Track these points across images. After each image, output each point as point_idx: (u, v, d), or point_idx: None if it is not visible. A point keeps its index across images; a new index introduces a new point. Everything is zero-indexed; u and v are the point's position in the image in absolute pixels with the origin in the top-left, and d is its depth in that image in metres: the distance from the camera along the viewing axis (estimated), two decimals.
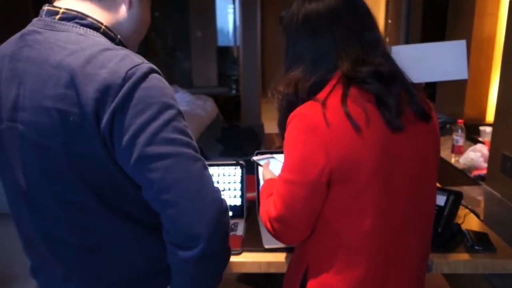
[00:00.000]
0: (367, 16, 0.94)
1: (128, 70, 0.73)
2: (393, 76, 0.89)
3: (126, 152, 0.73)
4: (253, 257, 1.25)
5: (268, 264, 1.24)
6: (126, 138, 0.72)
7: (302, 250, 0.97)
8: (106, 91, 0.71)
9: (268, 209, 0.93)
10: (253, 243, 1.31)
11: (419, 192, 0.92)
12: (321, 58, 0.91)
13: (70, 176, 0.77)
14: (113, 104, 0.72)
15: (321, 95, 0.87)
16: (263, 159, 1.23)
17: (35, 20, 0.83)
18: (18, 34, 0.83)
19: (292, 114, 0.89)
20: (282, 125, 0.94)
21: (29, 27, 0.82)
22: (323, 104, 0.85)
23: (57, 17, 0.80)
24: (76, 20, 0.80)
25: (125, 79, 0.72)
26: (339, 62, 0.88)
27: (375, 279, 0.90)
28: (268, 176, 1.10)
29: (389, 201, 0.87)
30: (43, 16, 0.81)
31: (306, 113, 0.87)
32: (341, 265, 0.89)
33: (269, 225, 0.93)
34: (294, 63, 0.95)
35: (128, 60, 0.75)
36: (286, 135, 0.90)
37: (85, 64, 0.73)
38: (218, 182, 1.47)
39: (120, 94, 0.72)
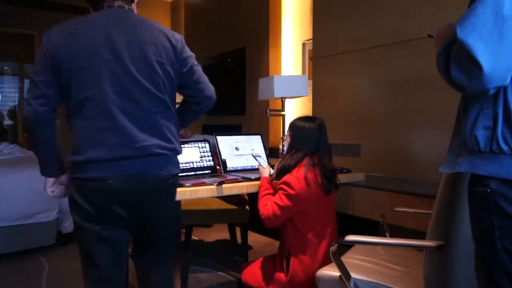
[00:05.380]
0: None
1: None
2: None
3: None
4: None
5: None
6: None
7: (284, 240, 1.88)
8: None
9: (268, 207, 1.82)
10: None
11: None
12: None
13: None
14: None
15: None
16: (260, 157, 2.16)
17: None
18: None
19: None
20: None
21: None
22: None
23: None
24: None
25: None
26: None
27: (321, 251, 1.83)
28: (265, 175, 2.00)
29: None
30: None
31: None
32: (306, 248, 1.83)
33: (269, 214, 1.81)
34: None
35: None
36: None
37: None
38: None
39: None
